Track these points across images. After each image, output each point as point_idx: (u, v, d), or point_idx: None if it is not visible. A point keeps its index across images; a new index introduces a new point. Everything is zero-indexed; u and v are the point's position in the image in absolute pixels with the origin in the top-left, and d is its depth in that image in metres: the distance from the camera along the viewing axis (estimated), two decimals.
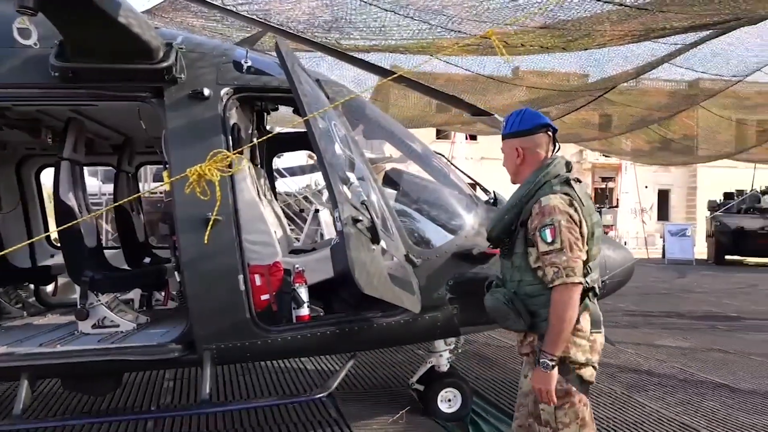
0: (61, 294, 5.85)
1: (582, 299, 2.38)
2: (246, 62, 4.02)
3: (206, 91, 3.79)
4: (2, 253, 4.09)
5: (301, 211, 10.81)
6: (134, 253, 5.43)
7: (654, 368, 6.23)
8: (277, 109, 5.38)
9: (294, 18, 7.53)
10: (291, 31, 6.91)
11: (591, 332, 2.45)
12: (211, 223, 3.04)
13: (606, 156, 28.58)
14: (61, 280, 5.77)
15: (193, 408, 4.42)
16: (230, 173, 2.97)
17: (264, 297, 4.04)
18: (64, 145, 4.30)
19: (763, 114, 15.36)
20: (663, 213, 34.78)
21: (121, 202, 4.98)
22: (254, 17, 6.67)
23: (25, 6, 2.83)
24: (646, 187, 32.35)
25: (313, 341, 3.94)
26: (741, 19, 7.57)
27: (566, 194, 2.43)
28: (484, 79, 10.89)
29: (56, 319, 5.03)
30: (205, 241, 3.28)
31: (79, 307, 4.16)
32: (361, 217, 3.16)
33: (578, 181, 2.54)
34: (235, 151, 3.11)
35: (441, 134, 27.33)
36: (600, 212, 17.82)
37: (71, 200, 4.24)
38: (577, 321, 2.38)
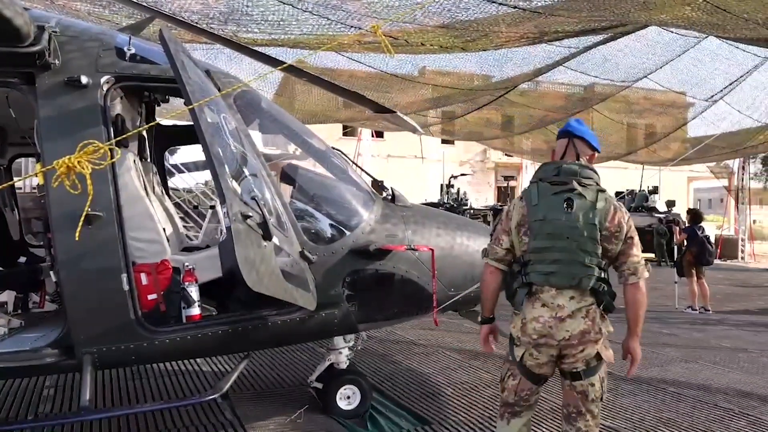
0: None
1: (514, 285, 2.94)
2: (129, 49, 3.81)
3: (84, 79, 3.56)
4: None
5: (195, 207, 10.41)
6: (7, 251, 4.97)
7: None
8: (167, 100, 5.16)
9: (187, 8, 7.24)
10: (184, 20, 6.64)
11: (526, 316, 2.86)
12: (82, 218, 2.85)
13: (508, 155, 29.99)
14: None
15: (71, 416, 4.14)
16: (103, 166, 2.79)
17: (151, 297, 3.87)
18: None
19: (649, 118, 16.80)
20: None
21: None
22: (144, 4, 6.34)
23: None
24: None
25: (204, 341, 3.82)
26: (626, 24, 8.21)
27: (524, 191, 2.97)
28: (389, 77, 11.05)
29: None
30: (77, 238, 3.07)
31: None
32: (251, 213, 3.09)
33: (557, 183, 2.87)
34: (108, 143, 2.92)
35: (347, 131, 27.39)
36: (501, 209, 18.72)
37: None
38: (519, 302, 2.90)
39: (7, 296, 4.78)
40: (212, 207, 8.53)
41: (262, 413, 4.63)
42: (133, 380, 5.41)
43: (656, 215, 19.14)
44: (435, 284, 4.22)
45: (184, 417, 4.50)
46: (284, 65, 4.77)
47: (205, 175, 12.68)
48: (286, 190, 4.21)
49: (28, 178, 6.15)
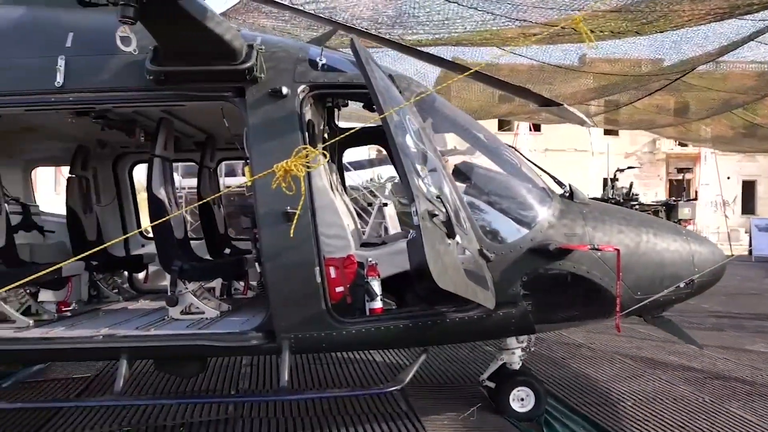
0: (151, 281, 6.27)
1: None
2: (321, 60, 4.14)
3: (284, 90, 3.94)
4: (105, 245, 4.42)
5: (369, 205, 10.91)
6: (216, 244, 5.73)
7: (747, 376, 5.77)
8: (347, 105, 5.50)
9: (358, 15, 7.65)
10: (357, 28, 7.02)
11: None
12: (296, 218, 3.21)
13: (683, 145, 27.11)
14: (152, 268, 6.18)
15: (271, 394, 4.63)
16: (313, 168, 3.08)
17: (338, 289, 4.15)
18: (155, 143, 4.59)
19: None
20: (748, 206, 32.60)
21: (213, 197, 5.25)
22: (321, 15, 6.83)
23: (126, 16, 3.07)
24: (729, 177, 30.35)
25: (386, 334, 4.02)
26: None
27: None
28: (551, 69, 10.60)
29: (148, 305, 5.40)
30: (291, 235, 3.45)
31: (169, 294, 4.45)
32: (437, 212, 3.19)
33: None
34: (318, 147, 3.20)
35: (504, 126, 26.83)
36: (677, 205, 16.89)
37: (162, 194, 4.54)
38: None
39: (216, 283, 5.51)
40: (384, 204, 9.05)
41: (435, 407, 4.73)
42: (320, 366, 5.86)
43: None
44: (619, 287, 3.99)
45: (363, 404, 4.76)
46: (470, 71, 4.78)
47: (370, 173, 13.41)
48: (462, 187, 4.26)
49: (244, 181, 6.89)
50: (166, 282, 6.29)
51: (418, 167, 3.43)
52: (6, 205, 4.82)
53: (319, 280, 3.92)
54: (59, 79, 3.93)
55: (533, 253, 4.00)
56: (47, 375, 5.75)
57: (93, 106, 4.11)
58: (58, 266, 3.51)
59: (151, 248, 6.47)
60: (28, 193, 6.29)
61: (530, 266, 4.00)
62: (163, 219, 4.09)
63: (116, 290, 6.02)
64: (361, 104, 4.99)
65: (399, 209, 10.16)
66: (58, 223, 6.04)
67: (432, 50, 8.57)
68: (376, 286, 4.10)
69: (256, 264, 4.55)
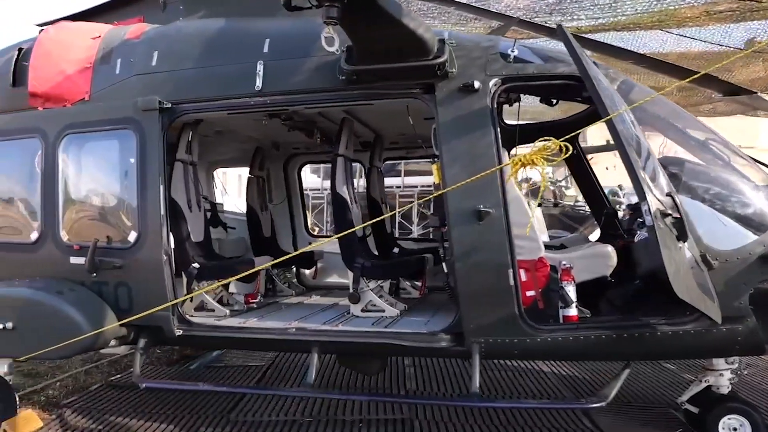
0: (318, 277, 6.49)
1: None
2: (513, 51, 3.94)
3: (476, 84, 3.80)
4: (290, 256, 4.68)
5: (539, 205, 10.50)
6: (384, 243, 5.77)
7: None
8: (519, 99, 5.23)
9: (513, 6, 7.31)
10: (512, 16, 6.71)
11: None
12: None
13: None
14: (319, 264, 6.40)
15: (461, 399, 4.51)
16: (557, 162, 2.88)
17: (529, 293, 3.93)
18: (338, 143, 4.70)
19: None
20: None
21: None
22: (473, 5, 6.62)
23: (330, 17, 3.10)
24: None
25: (584, 344, 3.70)
26: None
27: None
28: (731, 52, 9.43)
29: (321, 300, 5.58)
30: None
31: (351, 291, 4.51)
32: (668, 211, 2.85)
33: None
34: (562, 139, 2.97)
35: None
36: None
37: (345, 193, 4.63)
38: None
39: (384, 282, 5.49)
40: (556, 205, 8.72)
41: (623, 427, 4.34)
42: (491, 372, 5.67)
43: None
44: None
45: (542, 418, 4.49)
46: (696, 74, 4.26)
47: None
48: (675, 183, 3.81)
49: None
50: (331, 278, 6.55)
51: (646, 165, 3.09)
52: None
53: (512, 282, 3.72)
54: (258, 83, 4.10)
55: (765, 261, 3.47)
56: (226, 361, 6.17)
57: (287, 107, 4.26)
58: (284, 258, 3.92)
59: (318, 245, 6.73)
60: (210, 192, 6.80)
61: (762, 276, 3.47)
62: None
63: (287, 284, 6.28)
64: (538, 98, 4.71)
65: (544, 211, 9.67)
66: (236, 220, 6.46)
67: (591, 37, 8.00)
68: (571, 291, 3.84)
69: (443, 264, 4.46)
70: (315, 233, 8.07)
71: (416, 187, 15.93)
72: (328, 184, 15.57)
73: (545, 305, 3.92)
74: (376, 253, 5.69)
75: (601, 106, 3.01)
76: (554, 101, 4.79)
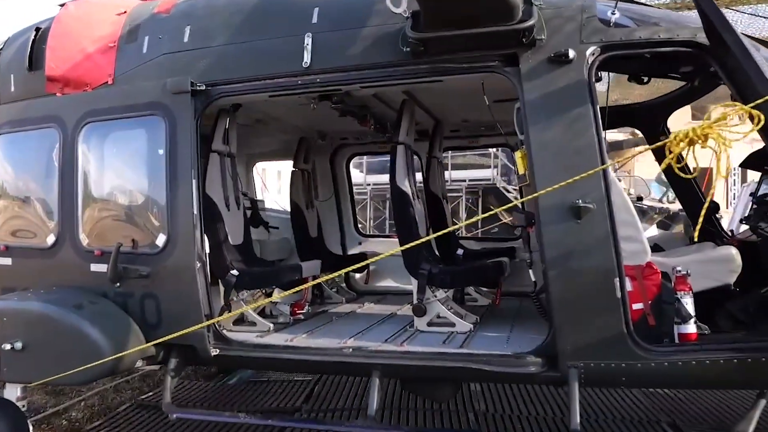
0: (370, 281, 5.86)
1: None
2: (613, 15, 3.23)
3: (570, 53, 3.12)
4: (357, 267, 3.96)
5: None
6: (446, 244, 5.06)
7: None
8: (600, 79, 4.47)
9: None
10: None
11: None
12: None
13: None
14: (371, 266, 5.77)
15: None
16: (745, 135, 2.13)
17: (636, 306, 3.21)
18: (398, 129, 4.05)
19: None
20: None
21: None
22: None
23: None
24: None
25: (708, 370, 3.00)
26: None
27: None
28: None
29: (376, 308, 4.93)
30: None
31: (416, 302, 3.85)
32: None
33: None
34: (750, 105, 2.22)
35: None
36: None
37: (406, 186, 3.97)
38: None
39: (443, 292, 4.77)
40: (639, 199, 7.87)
41: None
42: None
43: None
44: None
45: None
46: None
47: None
48: None
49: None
50: (385, 282, 5.89)
51: None
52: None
53: (619, 294, 3.04)
54: (306, 58, 3.51)
55: None
56: (269, 375, 5.60)
57: (340, 86, 3.63)
58: (352, 268, 3.07)
59: (368, 246, 6.08)
60: (251, 188, 6.24)
61: None
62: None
63: (336, 290, 5.69)
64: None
65: None
66: (280, 219, 5.87)
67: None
68: (688, 304, 3.12)
69: (530, 272, 3.75)
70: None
71: (464, 181, 15.18)
72: (371, 179, 14.90)
73: (657, 321, 3.20)
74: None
75: (759, 77, 2.25)
76: (645, 78, 4.12)
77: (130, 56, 3.82)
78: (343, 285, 5.86)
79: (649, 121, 4.67)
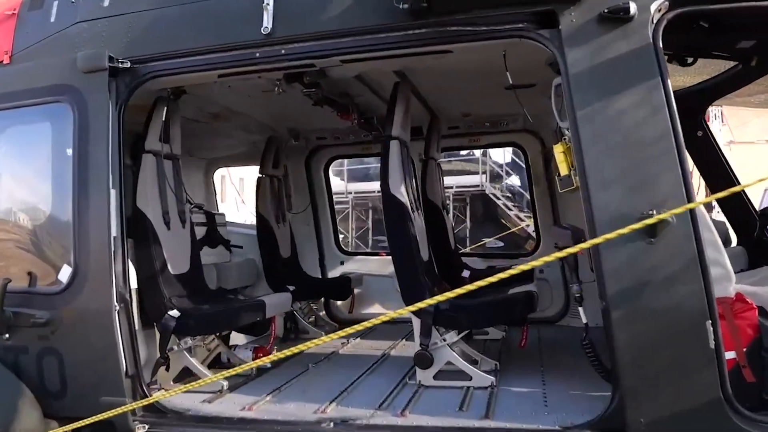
0: (356, 309, 4.88)
1: None
2: None
3: (632, 8, 2.29)
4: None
5: None
6: (447, 263, 4.08)
7: None
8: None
9: None
10: None
11: None
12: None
13: None
14: (356, 291, 4.81)
15: None
16: None
17: (729, 356, 2.33)
18: (391, 121, 3.09)
19: None
20: None
21: None
22: None
23: None
24: None
25: None
26: None
27: None
28: None
29: (365, 348, 3.94)
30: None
31: (419, 349, 2.89)
32: None
33: None
34: None
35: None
36: None
37: (402, 194, 3.00)
38: None
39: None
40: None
41: None
42: None
43: None
44: None
45: None
46: None
47: None
48: None
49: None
50: (372, 309, 4.93)
51: None
52: (191, 215, 3.62)
53: (712, 343, 2.18)
54: (267, 23, 2.61)
55: None
56: None
57: (312, 60, 2.69)
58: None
59: (351, 265, 5.11)
60: (210, 200, 5.22)
61: None
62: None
63: (313, 319, 4.71)
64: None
65: None
66: (244, 236, 4.86)
67: None
68: None
69: (580, 310, 2.78)
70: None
71: (451, 188, 14.31)
72: (352, 186, 13.79)
73: (756, 374, 2.33)
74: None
75: None
76: (690, 59, 3.31)
77: (35, 27, 2.93)
78: (323, 314, 4.87)
79: (684, 113, 3.84)
